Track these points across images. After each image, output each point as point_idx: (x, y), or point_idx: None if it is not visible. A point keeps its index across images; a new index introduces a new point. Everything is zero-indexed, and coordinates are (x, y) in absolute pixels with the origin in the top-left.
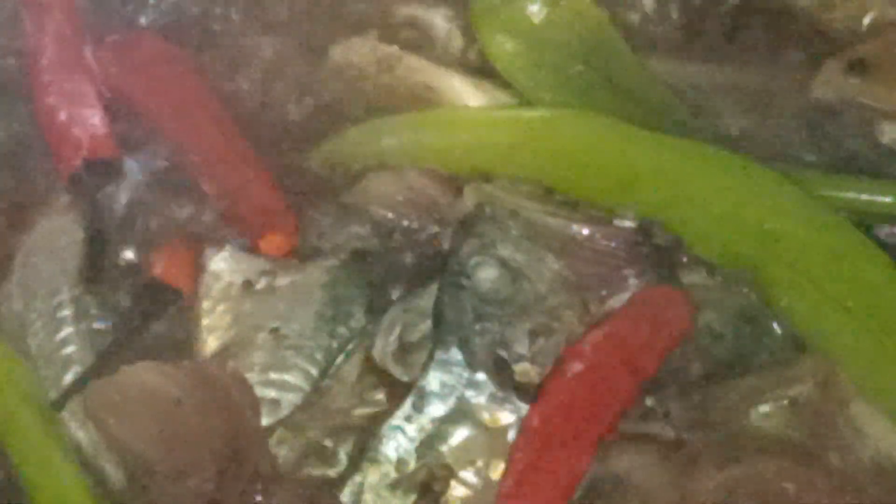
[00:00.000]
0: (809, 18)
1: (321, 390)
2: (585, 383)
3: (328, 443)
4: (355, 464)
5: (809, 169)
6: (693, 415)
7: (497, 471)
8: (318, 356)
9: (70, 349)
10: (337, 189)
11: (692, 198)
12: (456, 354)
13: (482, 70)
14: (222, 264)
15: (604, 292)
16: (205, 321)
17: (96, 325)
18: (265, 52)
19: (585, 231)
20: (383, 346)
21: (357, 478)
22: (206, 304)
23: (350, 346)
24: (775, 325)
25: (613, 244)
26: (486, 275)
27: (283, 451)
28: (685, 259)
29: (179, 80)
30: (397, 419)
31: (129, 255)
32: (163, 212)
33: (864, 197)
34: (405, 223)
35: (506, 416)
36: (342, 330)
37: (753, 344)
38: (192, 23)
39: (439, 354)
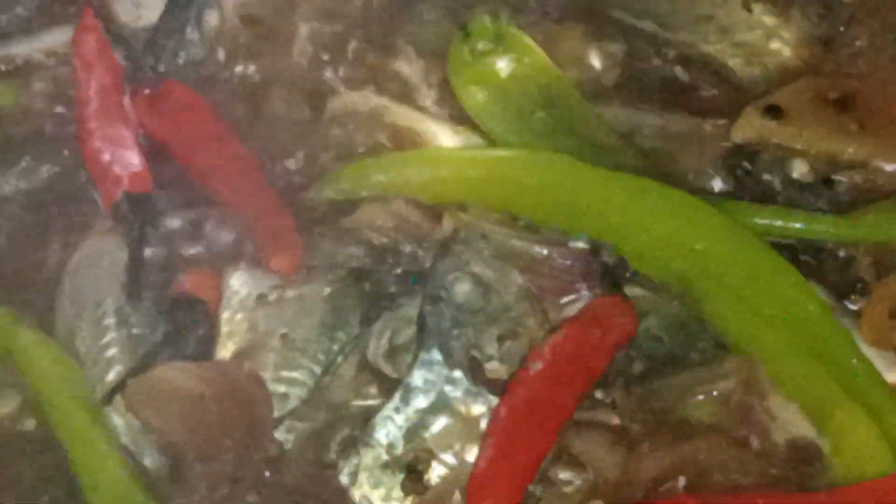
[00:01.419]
0: (731, 71)
1: (323, 386)
2: (545, 379)
3: (329, 430)
4: (352, 448)
5: (732, 199)
6: (636, 405)
7: (471, 453)
8: (321, 357)
9: (112, 352)
10: (336, 216)
11: (634, 224)
12: (436, 355)
13: (457, 116)
14: (240, 280)
15: (560, 302)
16: (225, 328)
17: (135, 332)
18: (277, 102)
19: (545, 251)
20: (375, 349)
21: (354, 460)
22: (226, 314)
23: (348, 349)
24: (705, 330)
25: (568, 262)
26: (462, 288)
27: (291, 437)
28: (629, 275)
29: (204, 125)
30: (387, 410)
31: (162, 272)
32: (190, 236)
33: (778, 223)
34: (393, 245)
35: (478, 408)
36: (341, 335)
37: (686, 346)
38: (214, 77)
39: (422, 355)
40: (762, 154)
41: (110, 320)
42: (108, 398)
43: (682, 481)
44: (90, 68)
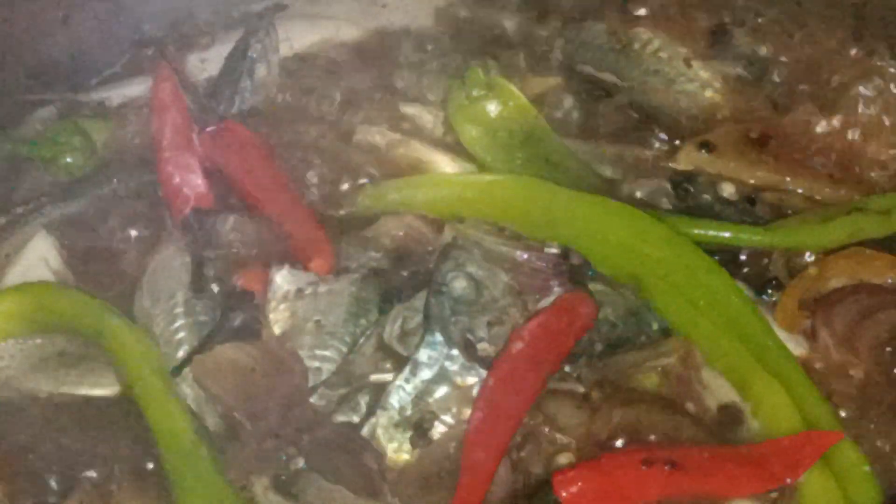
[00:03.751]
0: (673, 113)
1: (348, 361)
2: (525, 356)
3: (353, 396)
4: (371, 411)
5: (674, 214)
6: (596, 377)
7: (466, 415)
8: (347, 339)
9: (181, 334)
10: (360, 227)
11: (596, 233)
12: (439, 337)
13: (455, 148)
14: (282, 278)
15: (537, 296)
16: (271, 316)
17: (200, 319)
18: (312, 135)
19: (525, 255)
20: (390, 332)
21: (372, 420)
22: (271, 304)
23: (368, 332)
24: (651, 318)
25: (543, 264)
26: (459, 284)
27: (322, 403)
28: (591, 274)
29: (255, 155)
30: (399, 381)
31: (221, 271)
32: (243, 243)
33: (711, 232)
34: (405, 250)
35: (471, 379)
36: (363, 321)
37: (636, 330)
38: (263, 116)
39: (427, 337)
40: (698, 178)
41: (180, 309)
42: (178, 371)
43: (632, 437)
44: (165, 110)
